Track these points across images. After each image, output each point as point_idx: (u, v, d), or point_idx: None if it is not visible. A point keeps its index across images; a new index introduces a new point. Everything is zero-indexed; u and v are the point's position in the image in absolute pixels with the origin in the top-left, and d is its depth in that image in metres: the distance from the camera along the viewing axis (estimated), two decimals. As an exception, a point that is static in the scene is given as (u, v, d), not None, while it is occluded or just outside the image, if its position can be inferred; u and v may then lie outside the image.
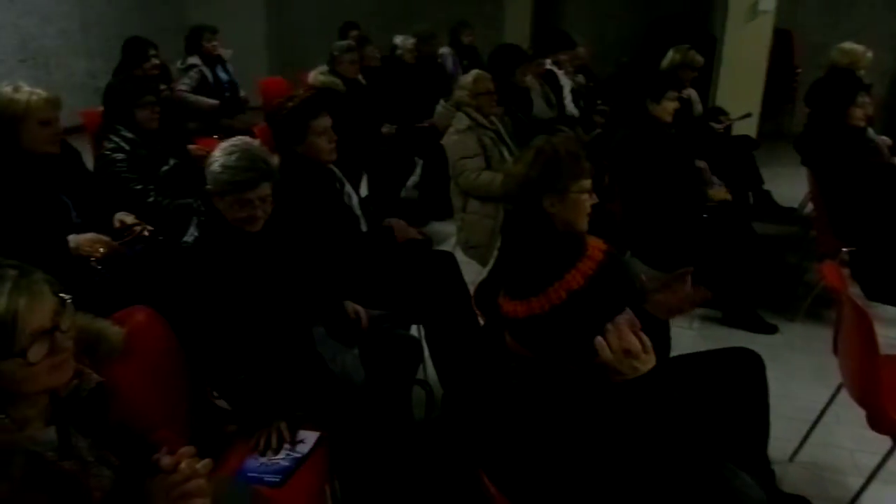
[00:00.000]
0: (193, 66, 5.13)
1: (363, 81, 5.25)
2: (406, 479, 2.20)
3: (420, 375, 2.72)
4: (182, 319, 1.99)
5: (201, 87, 5.14)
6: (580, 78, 5.86)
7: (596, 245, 1.36)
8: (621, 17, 8.12)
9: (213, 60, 5.26)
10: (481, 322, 2.61)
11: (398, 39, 5.70)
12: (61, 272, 1.26)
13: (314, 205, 2.53)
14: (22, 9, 5.88)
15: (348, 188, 2.82)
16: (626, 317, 1.35)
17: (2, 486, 1.05)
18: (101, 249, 2.55)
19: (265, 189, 2.03)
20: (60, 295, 1.20)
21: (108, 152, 3.09)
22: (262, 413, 1.96)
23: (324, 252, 2.37)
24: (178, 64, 5.25)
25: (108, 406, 1.34)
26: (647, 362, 1.35)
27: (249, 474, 1.83)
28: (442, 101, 4.51)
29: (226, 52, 5.43)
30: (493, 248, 3.61)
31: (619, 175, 3.51)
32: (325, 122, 2.60)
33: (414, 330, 2.77)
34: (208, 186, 2.03)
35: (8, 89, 2.55)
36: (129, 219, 2.81)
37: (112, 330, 1.38)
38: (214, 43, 5.24)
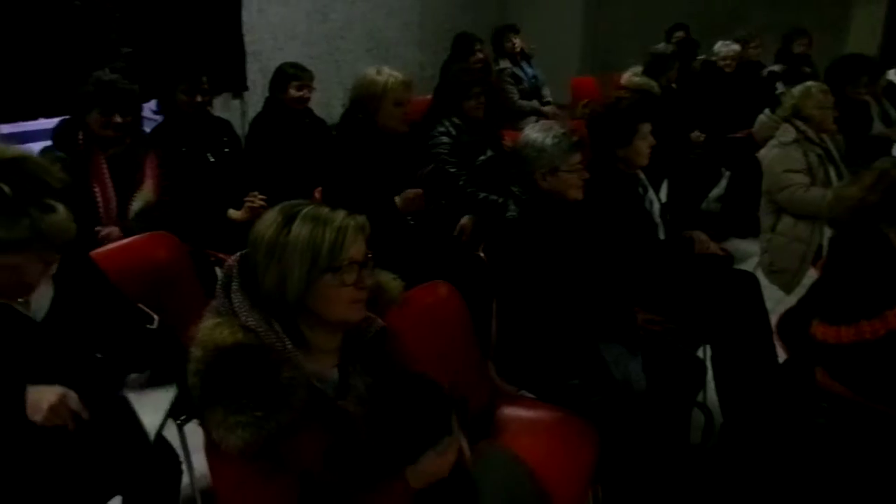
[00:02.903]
0: (503, 69, 5.40)
1: (674, 86, 5.08)
2: (672, 502, 2.10)
3: (699, 398, 2.59)
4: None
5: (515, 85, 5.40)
6: None
7: None
8: None
9: (518, 58, 5.50)
10: (780, 354, 2.39)
11: (719, 47, 5.39)
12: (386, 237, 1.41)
13: (618, 207, 2.51)
14: (373, 3, 6.64)
15: (651, 194, 2.75)
16: None
17: (285, 414, 1.20)
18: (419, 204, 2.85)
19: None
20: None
21: (436, 134, 3.38)
22: None
23: (621, 255, 2.35)
24: (495, 67, 5.57)
25: (387, 348, 1.47)
26: None
27: None
28: (766, 111, 4.17)
29: (529, 48, 5.60)
30: (802, 274, 3.28)
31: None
32: (649, 126, 2.58)
33: (699, 350, 2.62)
34: (540, 168, 2.25)
35: (372, 70, 2.87)
36: None
37: (393, 283, 1.48)
38: (514, 41, 5.44)
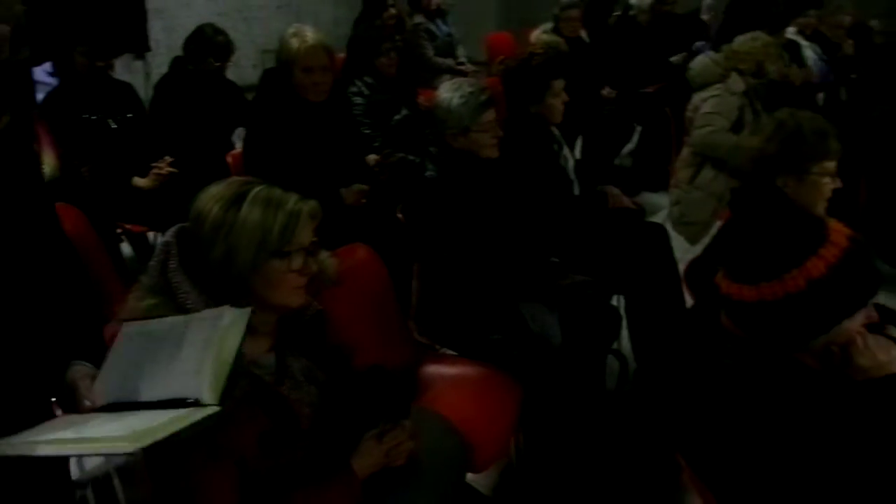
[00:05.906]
0: (419, 24, 5.33)
1: (586, 40, 5.12)
2: (590, 447, 2.19)
3: (615, 346, 2.69)
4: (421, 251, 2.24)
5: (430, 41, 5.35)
6: (847, 47, 5.15)
7: (839, 229, 1.21)
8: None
9: (433, 13, 5.44)
10: (688, 301, 2.51)
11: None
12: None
13: (533, 164, 2.54)
14: (283, -41, 6.45)
15: (566, 151, 2.80)
16: (866, 311, 1.22)
17: (225, 403, 1.16)
18: (363, 201, 2.71)
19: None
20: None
21: (349, 95, 3.31)
22: None
23: (536, 211, 2.39)
24: (410, 22, 5.49)
25: (324, 331, 1.46)
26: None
27: None
28: (711, 53, 4.05)
29: (445, 4, 5.56)
30: (710, 227, 3.41)
31: (869, 156, 3.14)
32: (562, 83, 2.59)
33: (615, 300, 2.72)
34: (451, 129, 2.22)
35: (289, 31, 2.62)
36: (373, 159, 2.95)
37: (329, 262, 1.44)
38: None
